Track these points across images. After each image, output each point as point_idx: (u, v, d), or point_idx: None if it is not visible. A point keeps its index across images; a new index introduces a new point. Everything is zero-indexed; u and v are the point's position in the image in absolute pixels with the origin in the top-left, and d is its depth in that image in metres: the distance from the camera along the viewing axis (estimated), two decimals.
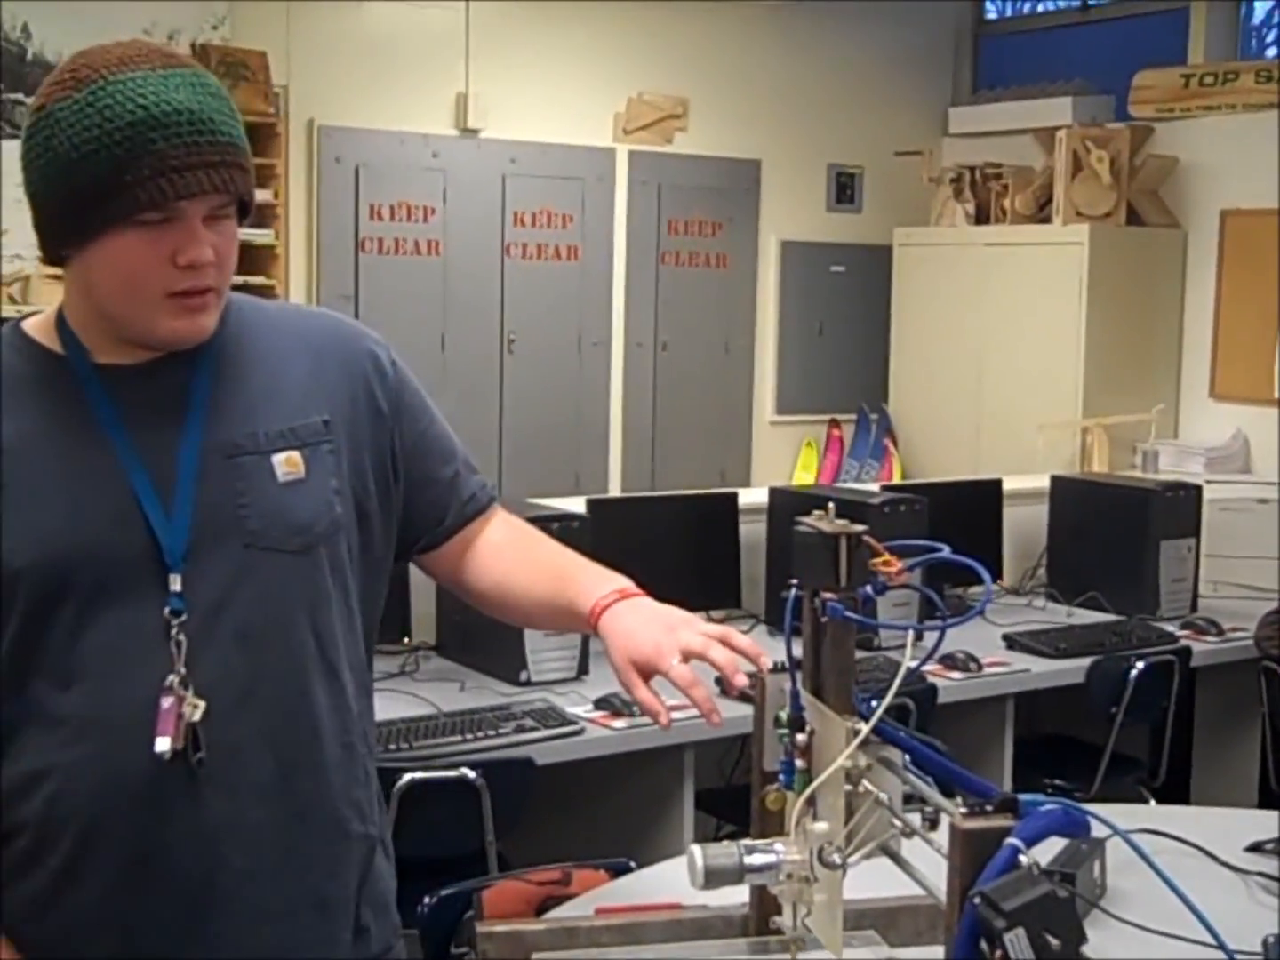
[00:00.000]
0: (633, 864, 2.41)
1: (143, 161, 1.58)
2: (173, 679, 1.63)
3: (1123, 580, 4.86)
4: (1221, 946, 1.36)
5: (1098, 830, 1.47)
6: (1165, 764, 4.51)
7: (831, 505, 1.57)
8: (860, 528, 1.55)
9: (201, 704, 1.64)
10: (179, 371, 1.72)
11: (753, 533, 4.51)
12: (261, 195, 6.38)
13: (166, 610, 1.65)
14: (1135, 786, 4.46)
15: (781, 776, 1.60)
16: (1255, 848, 2.32)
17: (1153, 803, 4.16)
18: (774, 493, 4.63)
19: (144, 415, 1.70)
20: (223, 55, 6.27)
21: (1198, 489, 5.05)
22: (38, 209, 1.66)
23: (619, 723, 3.46)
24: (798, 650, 1.60)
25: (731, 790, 3.79)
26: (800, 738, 1.56)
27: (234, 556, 1.68)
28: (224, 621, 1.67)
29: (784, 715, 1.59)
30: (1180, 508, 4.93)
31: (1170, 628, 4.66)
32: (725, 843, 1.53)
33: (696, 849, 1.52)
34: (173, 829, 1.66)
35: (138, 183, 1.58)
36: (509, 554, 1.96)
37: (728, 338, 7.94)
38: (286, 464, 1.72)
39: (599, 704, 3.53)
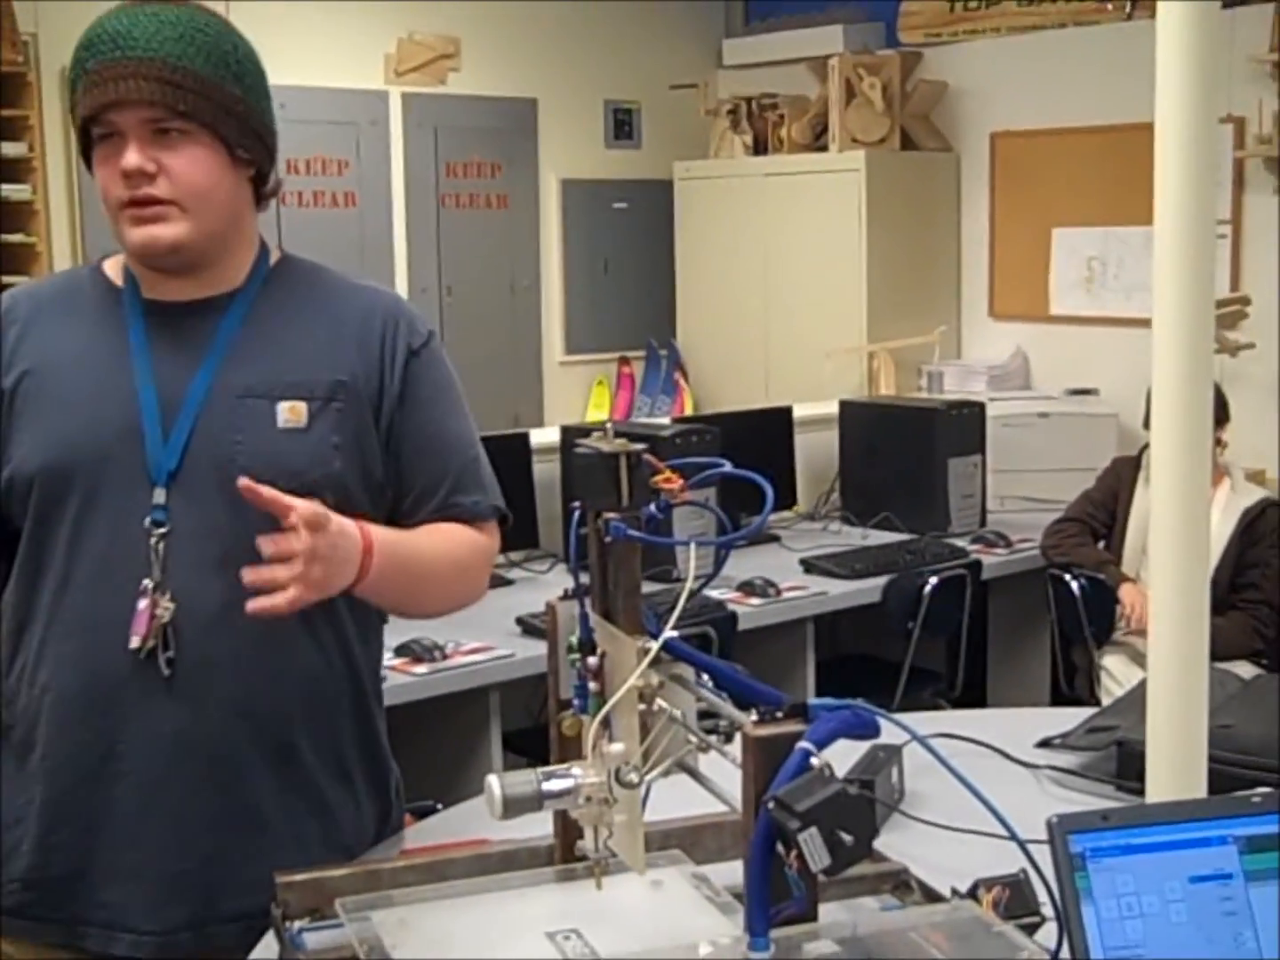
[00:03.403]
0: (439, 805, 2.39)
1: (79, 82, 1.80)
2: (148, 583, 1.79)
3: (914, 500, 4.97)
4: (1013, 836, 1.39)
5: (895, 736, 1.49)
6: (962, 674, 4.64)
7: (609, 425, 1.56)
8: (640, 446, 1.54)
9: (172, 605, 1.76)
10: (213, 315, 1.88)
11: (546, 472, 4.50)
12: (15, 148, 6.13)
13: (148, 520, 1.80)
14: (934, 699, 4.57)
15: (575, 701, 1.60)
16: (1045, 743, 2.39)
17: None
18: (566, 431, 4.63)
19: (170, 348, 1.86)
20: None
21: (981, 407, 5.18)
22: None
23: (421, 668, 3.44)
24: (585, 575, 1.59)
25: (540, 730, 3.72)
26: (591, 661, 1.56)
27: (224, 487, 1.77)
28: (209, 545, 1.80)
29: (574, 640, 1.58)
30: (965, 426, 5.05)
31: (961, 543, 4.79)
32: (522, 770, 1.51)
33: (493, 778, 1.50)
34: (135, 729, 1.81)
35: (79, 101, 1.81)
36: None
37: (513, 279, 7.88)
38: (289, 412, 1.85)
39: (399, 651, 3.49)
